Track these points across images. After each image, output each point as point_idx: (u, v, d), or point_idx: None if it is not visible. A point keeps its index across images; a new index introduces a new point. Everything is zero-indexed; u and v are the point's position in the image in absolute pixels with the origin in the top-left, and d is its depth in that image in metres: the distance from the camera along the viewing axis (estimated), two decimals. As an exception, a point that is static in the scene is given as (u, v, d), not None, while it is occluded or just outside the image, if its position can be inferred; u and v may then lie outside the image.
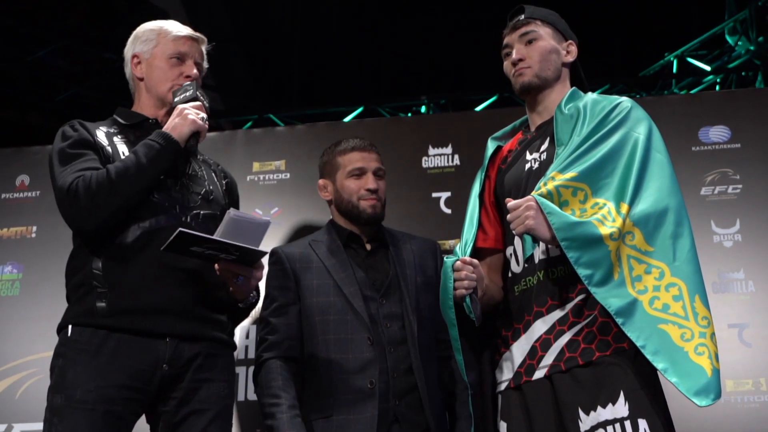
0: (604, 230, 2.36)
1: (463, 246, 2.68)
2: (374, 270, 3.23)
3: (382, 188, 3.28)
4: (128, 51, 2.95)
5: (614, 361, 2.39)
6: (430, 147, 5.46)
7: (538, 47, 2.76)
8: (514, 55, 2.75)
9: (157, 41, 2.89)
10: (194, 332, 2.63)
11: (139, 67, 2.90)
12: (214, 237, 2.51)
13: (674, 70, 7.33)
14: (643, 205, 2.44)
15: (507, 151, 2.87)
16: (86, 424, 2.42)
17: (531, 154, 2.73)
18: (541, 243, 2.52)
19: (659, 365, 2.28)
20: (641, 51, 7.58)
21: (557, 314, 2.51)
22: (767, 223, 5.07)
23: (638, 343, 2.30)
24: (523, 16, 2.80)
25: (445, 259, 2.59)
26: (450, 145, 5.44)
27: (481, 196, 2.80)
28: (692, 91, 7.01)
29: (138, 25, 2.99)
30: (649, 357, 2.29)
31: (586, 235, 2.36)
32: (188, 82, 2.85)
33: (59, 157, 2.68)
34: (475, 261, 2.57)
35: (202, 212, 2.78)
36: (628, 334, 2.31)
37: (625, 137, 2.54)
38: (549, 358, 2.49)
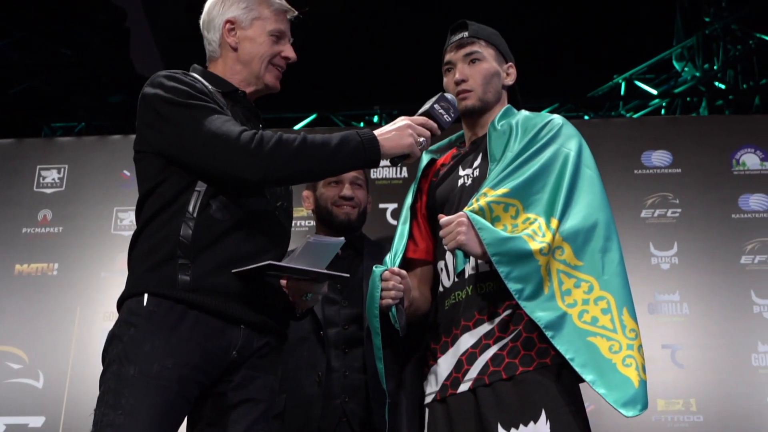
0: (534, 245, 2.38)
1: (392, 256, 2.68)
2: None
3: (359, 197, 3.34)
4: (218, 12, 2.60)
5: (537, 378, 2.40)
6: (379, 158, 5.49)
7: (481, 69, 2.75)
8: (457, 75, 2.74)
9: (259, 12, 2.58)
10: (266, 323, 2.45)
11: (233, 35, 2.57)
12: (296, 266, 2.37)
13: (622, 92, 7.44)
14: (572, 221, 2.46)
15: (440, 164, 2.88)
16: (161, 402, 2.23)
17: (464, 169, 2.75)
18: (472, 258, 2.52)
19: (587, 377, 2.30)
20: (591, 72, 7.67)
21: (484, 328, 2.52)
22: (704, 248, 5.19)
23: (567, 356, 2.32)
24: (467, 33, 2.77)
25: (374, 268, 2.61)
26: (398, 157, 5.48)
27: (413, 208, 2.81)
28: (637, 114, 7.12)
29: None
30: (578, 369, 2.31)
31: (516, 250, 2.38)
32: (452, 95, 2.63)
33: (182, 100, 2.37)
34: (404, 272, 2.58)
35: (285, 204, 2.56)
36: (558, 347, 2.33)
37: (555, 153, 2.56)
38: (474, 372, 2.49)
